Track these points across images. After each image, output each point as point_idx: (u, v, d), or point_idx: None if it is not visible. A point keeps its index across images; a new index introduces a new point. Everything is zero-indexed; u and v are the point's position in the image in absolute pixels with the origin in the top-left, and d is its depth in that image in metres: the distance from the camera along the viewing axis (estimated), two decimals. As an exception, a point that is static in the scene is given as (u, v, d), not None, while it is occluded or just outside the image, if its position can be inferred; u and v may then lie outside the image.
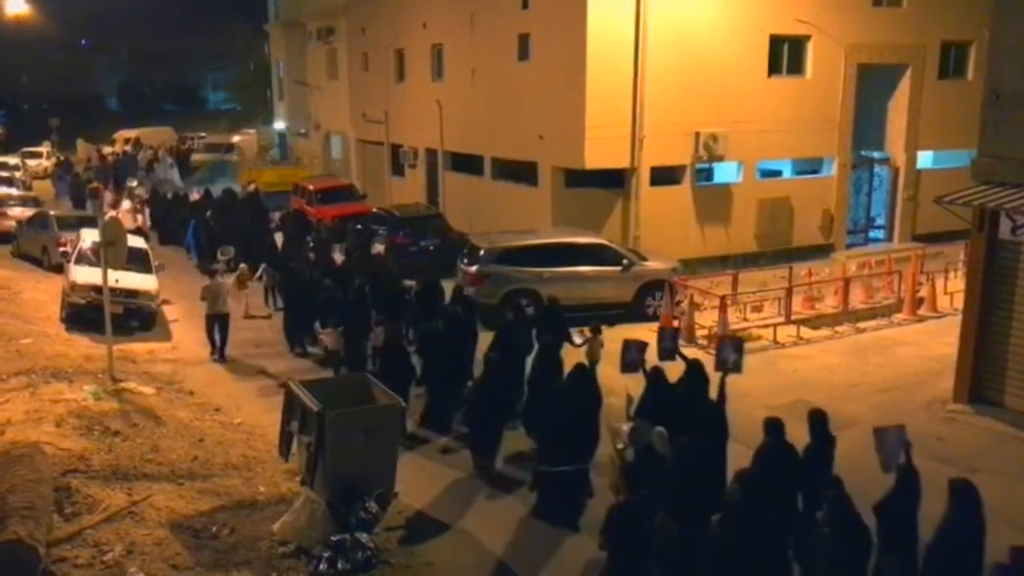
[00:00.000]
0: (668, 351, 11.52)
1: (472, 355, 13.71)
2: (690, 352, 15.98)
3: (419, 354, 13.60)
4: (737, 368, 10.87)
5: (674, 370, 10.91)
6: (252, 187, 32.88)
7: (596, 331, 13.73)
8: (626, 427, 9.94)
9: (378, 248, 21.76)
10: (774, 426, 8.90)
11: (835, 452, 8.92)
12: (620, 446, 9.81)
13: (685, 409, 10.00)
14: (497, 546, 9.76)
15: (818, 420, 8.98)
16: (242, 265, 20.00)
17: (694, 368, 10.68)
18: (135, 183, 34.39)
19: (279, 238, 23.45)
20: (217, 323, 16.50)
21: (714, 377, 10.60)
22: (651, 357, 11.35)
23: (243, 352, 16.84)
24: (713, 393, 10.34)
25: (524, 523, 10.22)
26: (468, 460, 11.69)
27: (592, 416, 10.82)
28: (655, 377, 10.63)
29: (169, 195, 31.31)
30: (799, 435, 9.06)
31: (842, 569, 7.17)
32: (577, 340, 13.85)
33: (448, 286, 16.53)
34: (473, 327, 14.52)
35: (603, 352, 13.39)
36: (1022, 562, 6.66)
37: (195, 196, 30.21)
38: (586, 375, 11.18)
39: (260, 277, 19.96)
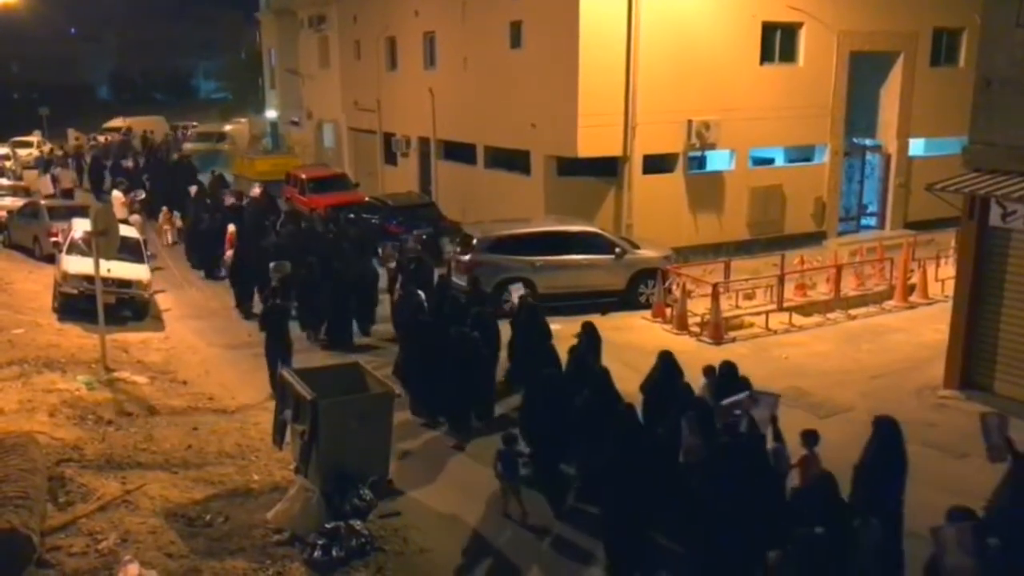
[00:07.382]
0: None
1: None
2: (683, 340, 16.27)
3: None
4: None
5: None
6: (177, 156, 38.51)
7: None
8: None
9: (255, 190, 27.17)
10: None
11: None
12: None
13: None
14: (491, 532, 9.81)
15: (530, 308, 13.79)
16: (163, 208, 26.21)
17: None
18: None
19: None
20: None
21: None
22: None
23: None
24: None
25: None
26: (465, 450, 11.88)
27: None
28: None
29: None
30: (790, 423, 9.10)
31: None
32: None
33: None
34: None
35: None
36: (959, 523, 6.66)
37: (130, 164, 35.70)
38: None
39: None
